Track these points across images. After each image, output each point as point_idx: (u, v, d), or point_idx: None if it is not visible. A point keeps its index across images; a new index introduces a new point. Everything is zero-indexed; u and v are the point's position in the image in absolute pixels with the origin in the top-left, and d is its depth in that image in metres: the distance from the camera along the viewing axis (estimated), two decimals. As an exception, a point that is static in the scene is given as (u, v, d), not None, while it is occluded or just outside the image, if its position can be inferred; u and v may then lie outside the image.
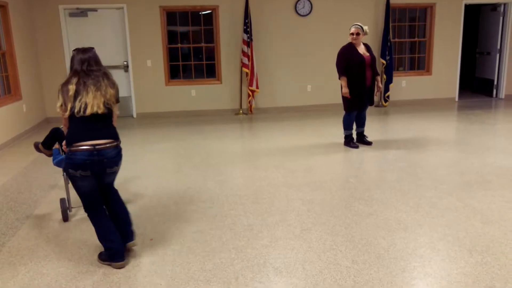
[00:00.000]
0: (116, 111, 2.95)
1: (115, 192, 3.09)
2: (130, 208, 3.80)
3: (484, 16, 10.00)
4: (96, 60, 2.92)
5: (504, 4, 9.34)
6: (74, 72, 2.85)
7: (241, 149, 5.87)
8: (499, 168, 4.73)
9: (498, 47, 9.58)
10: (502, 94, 9.71)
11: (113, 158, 2.85)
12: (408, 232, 3.23)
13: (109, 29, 8.16)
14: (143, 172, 4.91)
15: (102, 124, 2.84)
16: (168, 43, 8.39)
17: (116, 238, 2.88)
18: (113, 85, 2.90)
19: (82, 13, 8.02)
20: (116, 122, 2.98)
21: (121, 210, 3.07)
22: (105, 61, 8.00)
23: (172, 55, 8.52)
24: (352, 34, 5.53)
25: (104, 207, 2.98)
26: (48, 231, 3.40)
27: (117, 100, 2.94)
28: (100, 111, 2.79)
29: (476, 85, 10.45)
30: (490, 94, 9.92)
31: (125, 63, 8.27)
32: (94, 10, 8.03)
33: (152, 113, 8.40)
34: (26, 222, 3.57)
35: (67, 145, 2.78)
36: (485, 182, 4.31)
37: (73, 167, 2.75)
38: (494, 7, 9.54)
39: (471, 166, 4.84)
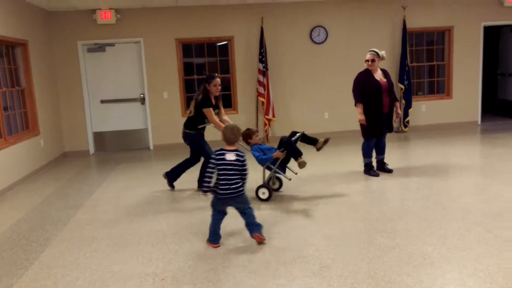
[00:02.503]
0: (206, 114, 4.99)
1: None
2: (141, 246, 3.68)
3: (504, 37, 9.82)
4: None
5: (524, 25, 9.15)
6: None
7: (256, 180, 5.73)
8: (529, 195, 4.48)
9: (520, 68, 9.34)
10: (527, 116, 9.40)
11: (183, 136, 5.21)
12: (435, 267, 3.02)
13: (126, 62, 8.26)
14: (156, 207, 4.81)
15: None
16: (184, 74, 8.43)
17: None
18: (195, 100, 5.05)
19: (100, 48, 8.15)
20: (213, 122, 4.99)
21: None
22: (122, 94, 8.22)
23: (188, 87, 8.55)
24: (367, 60, 5.43)
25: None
26: (56, 271, 3.30)
27: (198, 108, 5.00)
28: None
29: (499, 108, 10.18)
30: (514, 117, 9.62)
31: (142, 95, 8.32)
32: (112, 45, 8.16)
33: (169, 144, 8.36)
34: (35, 262, 3.48)
35: None
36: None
37: None
38: (513, 28, 9.36)
39: (498, 193, 4.60)
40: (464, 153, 6.61)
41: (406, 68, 8.57)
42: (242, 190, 3.56)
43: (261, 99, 8.26)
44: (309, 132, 8.68)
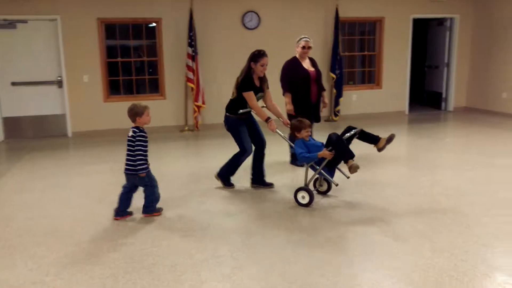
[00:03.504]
0: (247, 98, 4.35)
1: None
2: (35, 248, 3.26)
3: (431, 30, 10.07)
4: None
5: (450, 19, 9.41)
6: None
7: (183, 170, 5.43)
8: (448, 188, 4.52)
9: (446, 60, 9.64)
10: (451, 107, 9.75)
11: (224, 120, 4.58)
12: (354, 267, 2.88)
13: (41, 42, 7.53)
14: (61, 201, 4.35)
15: None
16: (107, 57, 7.85)
17: None
18: (236, 80, 4.47)
19: (11, 24, 7.37)
20: (253, 108, 4.37)
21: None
22: (36, 76, 7.50)
23: (112, 70, 7.98)
24: (304, 47, 5.24)
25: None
26: None
27: (238, 90, 4.38)
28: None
29: (426, 98, 10.48)
30: (439, 107, 9.95)
31: (59, 78, 7.65)
32: (24, 21, 7.40)
33: (89, 131, 7.79)
34: None
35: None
36: (435, 203, 4.06)
37: None
38: (440, 21, 9.61)
39: (420, 185, 4.61)
40: (391, 143, 6.63)
41: (338, 58, 8.53)
42: (141, 167, 3.64)
43: (190, 84, 7.89)
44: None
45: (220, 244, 3.26)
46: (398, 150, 6.27)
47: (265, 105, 4.67)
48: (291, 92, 5.25)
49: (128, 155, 3.67)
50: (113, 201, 4.24)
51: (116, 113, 7.85)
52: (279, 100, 5.56)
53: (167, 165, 5.71)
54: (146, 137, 3.66)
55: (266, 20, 8.31)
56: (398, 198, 4.23)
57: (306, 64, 5.33)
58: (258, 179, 4.67)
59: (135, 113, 3.68)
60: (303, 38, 5.29)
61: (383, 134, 4.29)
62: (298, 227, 3.56)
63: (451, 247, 3.12)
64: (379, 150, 4.25)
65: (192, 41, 7.76)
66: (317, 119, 5.51)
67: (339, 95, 8.66)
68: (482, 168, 5.19)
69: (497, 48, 8.92)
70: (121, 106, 7.88)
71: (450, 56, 9.57)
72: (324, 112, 6.23)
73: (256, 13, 8.23)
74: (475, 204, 4.00)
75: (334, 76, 8.56)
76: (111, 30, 7.88)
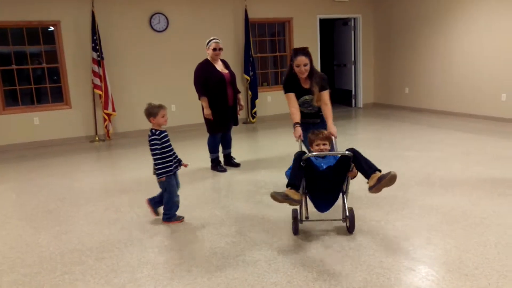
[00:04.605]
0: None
1: None
2: None
3: (337, 30, 10.45)
4: None
5: (354, 19, 9.83)
6: None
7: (93, 185, 5.02)
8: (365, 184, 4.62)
9: (353, 59, 10.05)
10: (360, 104, 10.20)
11: None
12: (280, 273, 2.79)
13: None
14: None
15: None
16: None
17: None
18: None
19: None
20: (290, 111, 4.18)
21: None
22: None
23: (9, 78, 7.24)
24: (215, 49, 5.07)
25: None
26: None
27: None
28: None
29: (337, 96, 10.85)
30: (349, 104, 10.36)
31: None
32: None
33: (-16, 148, 7.01)
34: None
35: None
36: (355, 200, 4.13)
37: None
38: (345, 21, 10.00)
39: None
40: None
41: (251, 59, 8.51)
42: (157, 172, 3.55)
43: (97, 91, 7.40)
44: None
45: (140, 264, 3.01)
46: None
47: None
48: (206, 96, 5.08)
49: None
50: (18, 226, 3.80)
51: (16, 126, 7.16)
52: (199, 101, 5.39)
53: (80, 181, 5.26)
54: (159, 139, 3.52)
55: (174, 22, 8.06)
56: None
57: (219, 66, 5.20)
58: None
59: (148, 114, 3.55)
60: (213, 40, 5.13)
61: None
62: (227, 234, 3.40)
63: (375, 244, 3.15)
64: (369, 189, 3.13)
65: (96, 45, 7.29)
66: (236, 122, 5.41)
67: (254, 97, 8.65)
68: (397, 161, 5.41)
69: (397, 46, 9.48)
70: (21, 118, 7.22)
71: (356, 54, 10.00)
72: (241, 115, 6.15)
73: (164, 15, 7.95)
74: (392, 198, 4.13)
75: (248, 78, 8.53)
76: (3, 35, 7.14)
